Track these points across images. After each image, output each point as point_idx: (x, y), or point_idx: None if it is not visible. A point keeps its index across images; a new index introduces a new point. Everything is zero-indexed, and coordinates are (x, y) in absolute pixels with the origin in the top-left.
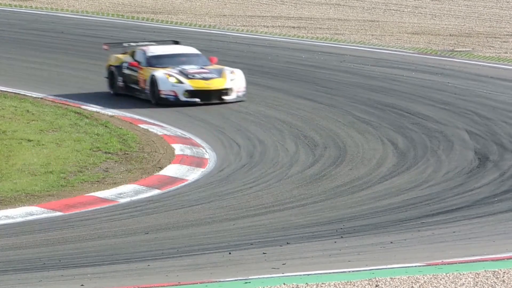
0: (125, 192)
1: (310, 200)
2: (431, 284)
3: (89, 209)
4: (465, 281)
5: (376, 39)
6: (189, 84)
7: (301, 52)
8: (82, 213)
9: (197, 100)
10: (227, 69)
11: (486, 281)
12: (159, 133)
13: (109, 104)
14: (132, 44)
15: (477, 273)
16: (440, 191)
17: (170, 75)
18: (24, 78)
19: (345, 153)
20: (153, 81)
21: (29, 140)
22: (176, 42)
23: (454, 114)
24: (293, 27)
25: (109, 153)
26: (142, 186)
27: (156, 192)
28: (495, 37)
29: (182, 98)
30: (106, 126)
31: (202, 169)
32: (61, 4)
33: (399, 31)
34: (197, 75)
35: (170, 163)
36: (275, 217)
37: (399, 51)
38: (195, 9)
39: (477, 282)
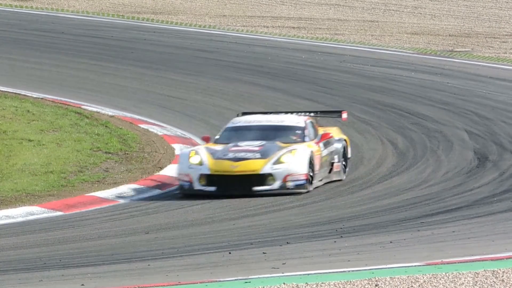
0: (125, 192)
1: (310, 200)
2: (430, 283)
3: (90, 209)
4: (464, 280)
5: (376, 39)
6: (207, 166)
7: (301, 52)
8: (82, 213)
9: (212, 189)
10: (287, 149)
11: (486, 280)
12: (159, 133)
13: (109, 104)
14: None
15: (477, 273)
16: (440, 191)
17: (196, 153)
18: (25, 78)
19: None
20: None
21: (30, 140)
22: None
23: (454, 114)
24: (293, 27)
25: (109, 153)
26: (142, 186)
27: (156, 192)
28: (494, 37)
29: (197, 186)
30: (106, 126)
31: None
32: (62, 4)
33: (399, 31)
34: (231, 154)
35: (170, 163)
36: (275, 217)
37: (398, 51)
38: (195, 9)
39: (476, 282)
